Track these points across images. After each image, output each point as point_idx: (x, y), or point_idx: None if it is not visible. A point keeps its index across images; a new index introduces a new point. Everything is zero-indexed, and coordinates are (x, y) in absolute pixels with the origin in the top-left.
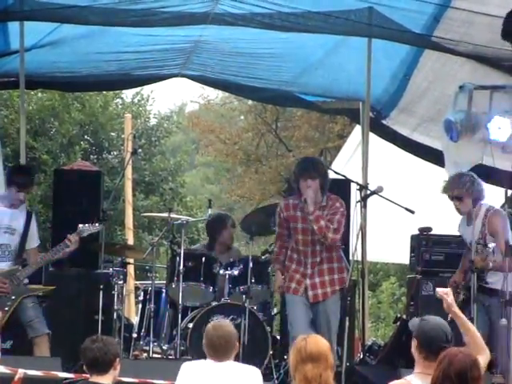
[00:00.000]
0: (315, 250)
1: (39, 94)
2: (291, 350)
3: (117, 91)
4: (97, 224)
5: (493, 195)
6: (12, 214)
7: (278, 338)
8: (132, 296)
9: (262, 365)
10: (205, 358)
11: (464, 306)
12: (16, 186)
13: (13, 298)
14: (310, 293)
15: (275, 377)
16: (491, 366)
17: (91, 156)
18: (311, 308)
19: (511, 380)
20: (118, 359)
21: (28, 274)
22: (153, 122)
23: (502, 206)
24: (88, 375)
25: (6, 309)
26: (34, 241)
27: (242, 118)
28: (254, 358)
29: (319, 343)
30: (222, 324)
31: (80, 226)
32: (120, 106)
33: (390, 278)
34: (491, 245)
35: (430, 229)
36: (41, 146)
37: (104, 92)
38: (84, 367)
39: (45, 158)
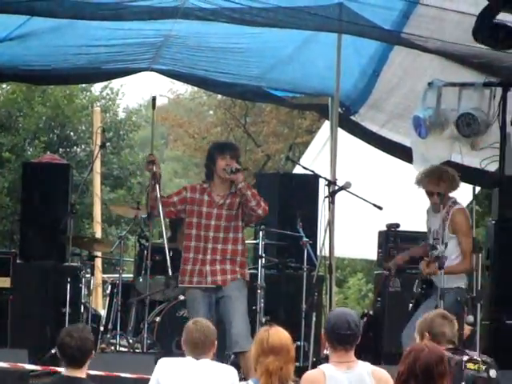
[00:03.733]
0: (218, 237)
1: (3, 86)
2: (253, 341)
3: (85, 84)
4: None
5: (460, 192)
6: None
7: None
8: (99, 289)
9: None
10: (171, 351)
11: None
12: None
13: None
14: (209, 278)
15: None
16: None
17: (60, 149)
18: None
19: None
20: (93, 352)
21: None
22: (121, 115)
23: (470, 203)
24: (53, 367)
25: None
26: None
27: (211, 112)
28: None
29: (281, 336)
30: (203, 321)
31: None
32: (86, 99)
33: (357, 274)
34: (440, 247)
35: (397, 225)
36: (7, 141)
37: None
38: (59, 357)
39: (7, 156)
